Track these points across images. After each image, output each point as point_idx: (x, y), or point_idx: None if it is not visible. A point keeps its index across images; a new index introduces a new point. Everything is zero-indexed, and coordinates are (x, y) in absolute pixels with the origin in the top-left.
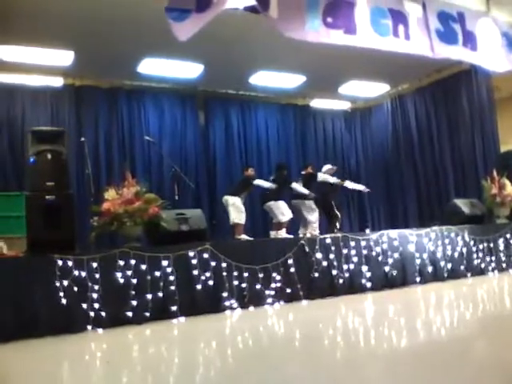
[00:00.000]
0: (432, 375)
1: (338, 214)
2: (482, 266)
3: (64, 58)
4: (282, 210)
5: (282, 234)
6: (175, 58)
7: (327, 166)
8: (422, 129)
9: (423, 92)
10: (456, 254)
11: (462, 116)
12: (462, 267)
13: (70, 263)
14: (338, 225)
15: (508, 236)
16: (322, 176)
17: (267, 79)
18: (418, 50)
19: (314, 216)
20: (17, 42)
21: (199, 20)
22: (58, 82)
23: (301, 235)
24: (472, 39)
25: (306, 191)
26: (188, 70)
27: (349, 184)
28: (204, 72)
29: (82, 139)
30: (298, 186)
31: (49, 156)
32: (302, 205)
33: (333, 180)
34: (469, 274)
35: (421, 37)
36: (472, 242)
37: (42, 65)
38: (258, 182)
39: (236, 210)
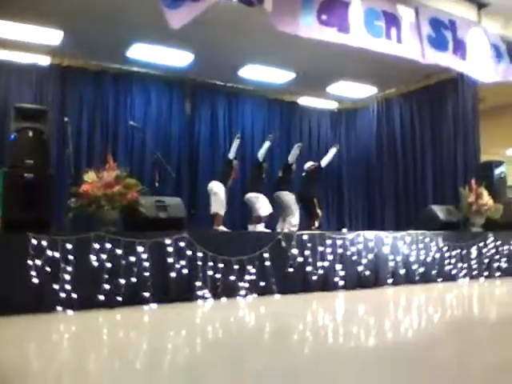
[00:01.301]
0: (394, 374)
1: (320, 212)
2: (454, 272)
3: (53, 37)
4: (262, 205)
5: (261, 228)
6: (166, 45)
7: (309, 163)
8: (406, 133)
9: (409, 97)
10: (429, 259)
11: (445, 123)
12: (434, 272)
13: (44, 243)
14: (317, 223)
15: (481, 244)
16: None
17: (256, 73)
18: (409, 54)
19: (294, 210)
20: (5, 17)
21: (193, 8)
22: (45, 60)
23: (279, 230)
24: (462, 47)
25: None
26: (178, 58)
27: (324, 161)
28: (194, 61)
29: (66, 119)
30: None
31: (30, 134)
32: (283, 197)
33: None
34: (440, 280)
35: (412, 41)
36: (445, 248)
37: (30, 42)
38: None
39: (217, 200)
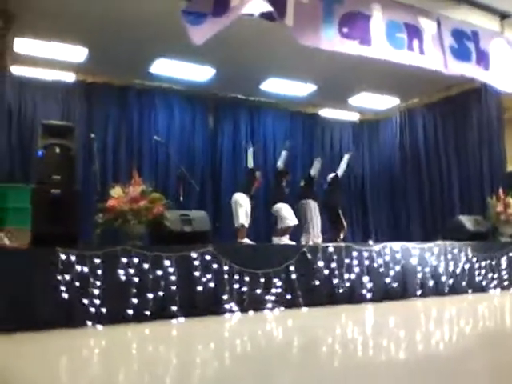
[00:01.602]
0: None
1: (345, 224)
2: (484, 283)
3: (77, 53)
4: (287, 215)
5: (285, 240)
6: (188, 61)
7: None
8: (430, 144)
9: (433, 108)
10: (458, 270)
11: (470, 134)
12: (464, 283)
13: (72, 258)
14: (342, 235)
15: (511, 254)
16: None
17: (278, 86)
18: (432, 65)
19: (317, 220)
20: (32, 35)
21: (215, 24)
22: (70, 77)
23: (303, 242)
24: (485, 58)
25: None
26: (200, 73)
27: (340, 170)
28: (215, 76)
29: (92, 136)
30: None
31: (57, 150)
32: (308, 207)
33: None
34: (470, 291)
35: (435, 52)
36: (475, 259)
37: (55, 59)
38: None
39: (242, 212)
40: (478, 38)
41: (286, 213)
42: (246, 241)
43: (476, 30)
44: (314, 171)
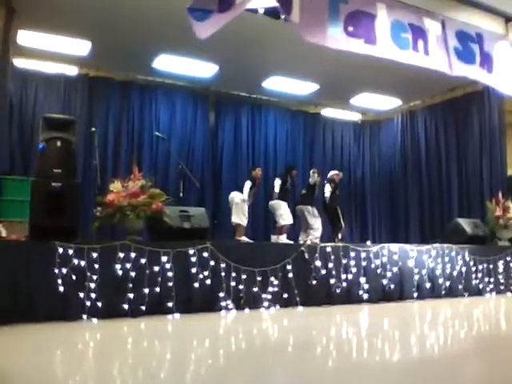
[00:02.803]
0: None
1: (343, 224)
2: (480, 286)
3: (81, 47)
4: (282, 213)
5: (283, 239)
6: (191, 57)
7: (333, 172)
8: (431, 146)
9: (434, 110)
10: (455, 273)
11: (471, 136)
12: (460, 286)
13: (70, 251)
14: (340, 235)
15: (508, 259)
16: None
17: (280, 84)
18: (437, 66)
19: (316, 223)
20: (35, 28)
21: (220, 19)
22: (72, 70)
23: (301, 241)
24: (489, 61)
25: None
26: (202, 70)
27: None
28: (218, 72)
29: (93, 129)
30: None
31: (58, 143)
32: (306, 210)
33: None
34: (466, 294)
35: (439, 53)
36: (472, 262)
37: (58, 52)
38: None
39: (239, 210)
40: (482, 41)
41: (280, 211)
42: (244, 239)
43: (480, 32)
44: (312, 180)
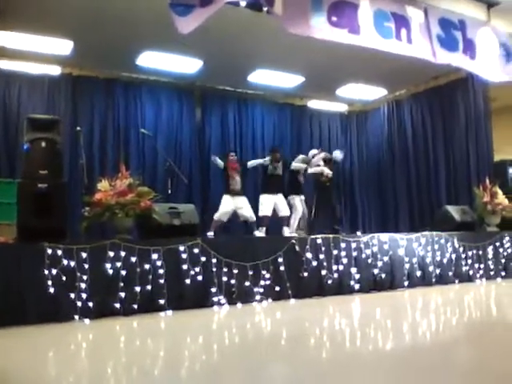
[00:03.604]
0: (413, 378)
1: (338, 213)
2: (471, 273)
3: (63, 47)
4: (262, 204)
5: (260, 233)
6: (175, 53)
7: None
8: (417, 134)
9: (420, 98)
10: (445, 260)
11: (457, 123)
12: (451, 273)
13: (59, 252)
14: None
15: (497, 244)
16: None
17: (266, 78)
18: (420, 54)
19: (301, 212)
20: (17, 28)
21: (202, 14)
22: (55, 70)
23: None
24: (471, 47)
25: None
26: (187, 65)
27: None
28: (203, 68)
29: (78, 128)
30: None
31: (43, 144)
32: (292, 200)
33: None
34: (457, 281)
35: (423, 41)
36: (461, 249)
37: (40, 53)
38: (250, 163)
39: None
40: (465, 27)
41: (261, 203)
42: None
43: (463, 18)
44: (295, 167)
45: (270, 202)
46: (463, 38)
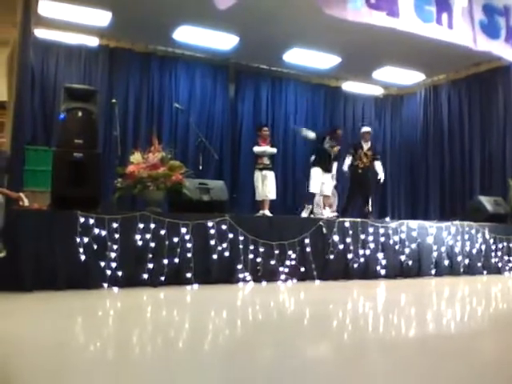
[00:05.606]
0: (435, 366)
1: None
2: (500, 265)
3: (101, 18)
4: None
5: (262, 212)
6: (211, 28)
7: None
8: (454, 122)
9: (458, 84)
10: (474, 251)
11: (495, 113)
12: (479, 264)
13: (91, 221)
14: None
15: None
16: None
17: (301, 57)
18: (461, 40)
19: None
20: None
21: None
22: (93, 41)
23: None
24: None
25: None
26: (223, 41)
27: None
28: (238, 44)
29: (114, 100)
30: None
31: (79, 114)
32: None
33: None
34: (485, 272)
35: (464, 27)
36: (492, 241)
37: (79, 23)
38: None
39: (256, 185)
40: (509, 14)
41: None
42: (263, 212)
43: (509, 5)
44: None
45: (319, 179)
46: (506, 25)
